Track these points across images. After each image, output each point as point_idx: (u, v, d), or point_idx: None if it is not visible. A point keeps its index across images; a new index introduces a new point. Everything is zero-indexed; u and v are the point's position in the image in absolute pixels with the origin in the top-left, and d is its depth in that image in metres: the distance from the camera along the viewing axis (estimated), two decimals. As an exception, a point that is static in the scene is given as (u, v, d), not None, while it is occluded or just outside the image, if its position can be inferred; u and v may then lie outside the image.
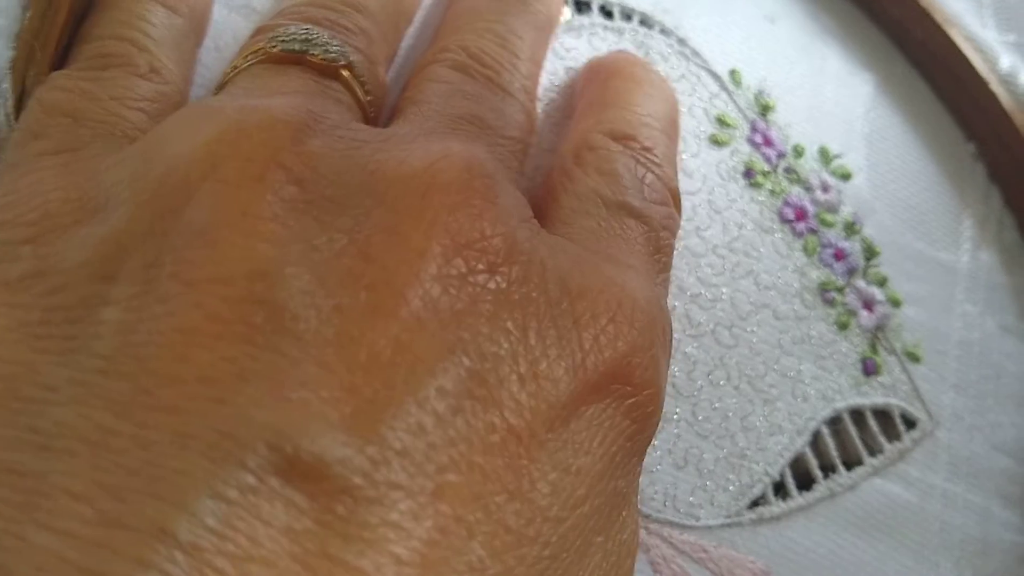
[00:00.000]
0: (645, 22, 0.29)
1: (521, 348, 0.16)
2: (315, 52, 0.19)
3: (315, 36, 0.20)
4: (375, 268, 0.15)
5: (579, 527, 0.16)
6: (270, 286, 0.14)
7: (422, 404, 0.14)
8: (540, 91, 0.26)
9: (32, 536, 0.12)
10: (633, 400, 0.17)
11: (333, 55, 0.19)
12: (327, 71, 0.19)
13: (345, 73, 0.20)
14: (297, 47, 0.19)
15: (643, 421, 0.17)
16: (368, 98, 0.20)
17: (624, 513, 0.17)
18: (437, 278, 0.15)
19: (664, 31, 0.29)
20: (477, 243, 0.16)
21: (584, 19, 0.28)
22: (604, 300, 0.17)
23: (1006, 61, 0.31)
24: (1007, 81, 0.31)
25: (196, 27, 0.21)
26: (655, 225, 0.20)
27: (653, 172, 0.21)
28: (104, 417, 0.13)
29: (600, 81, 0.24)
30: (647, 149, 0.21)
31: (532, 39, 0.23)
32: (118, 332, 0.14)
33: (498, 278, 0.16)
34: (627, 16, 0.29)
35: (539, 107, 0.26)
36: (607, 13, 0.29)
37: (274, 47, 0.19)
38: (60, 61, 0.21)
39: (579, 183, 0.20)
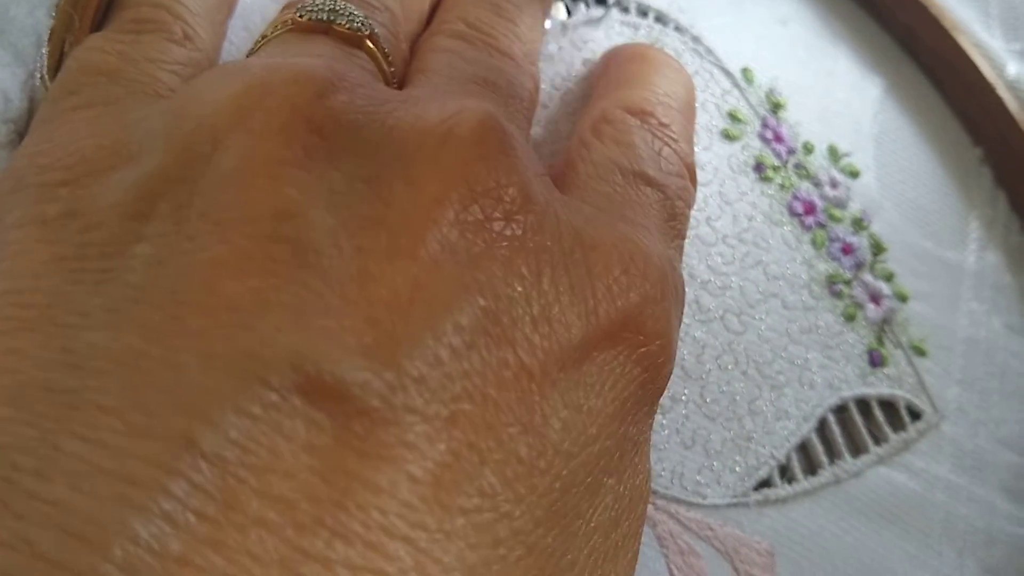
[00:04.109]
0: (660, 19, 0.30)
1: (534, 292, 0.16)
2: (341, 21, 0.20)
3: (341, 7, 0.20)
4: (395, 213, 0.16)
5: (589, 465, 0.16)
6: (295, 226, 0.15)
7: (439, 337, 0.15)
8: (558, 81, 0.27)
9: (66, 445, 0.13)
10: (645, 349, 0.18)
11: (358, 25, 0.20)
12: (352, 40, 0.20)
13: (369, 44, 0.20)
14: (324, 17, 0.20)
15: (654, 370, 0.18)
16: (391, 69, 0.21)
17: (636, 459, 0.18)
18: (454, 223, 0.16)
19: (679, 28, 0.30)
20: (493, 191, 0.16)
21: (601, 13, 0.29)
22: (617, 253, 0.18)
23: (1013, 68, 0.32)
24: (1014, 87, 0.32)
25: (227, 0, 0.22)
26: (670, 194, 0.21)
27: (670, 146, 0.22)
28: (135, 340, 0.14)
29: (619, 64, 0.25)
30: (664, 125, 0.22)
31: (528, 8, 0.24)
32: (149, 265, 0.15)
33: (513, 225, 0.16)
34: (643, 12, 0.30)
35: (557, 96, 0.27)
36: (623, 9, 0.29)
37: (301, 17, 0.20)
38: (97, 28, 0.22)
39: (596, 152, 0.21)
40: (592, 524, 0.16)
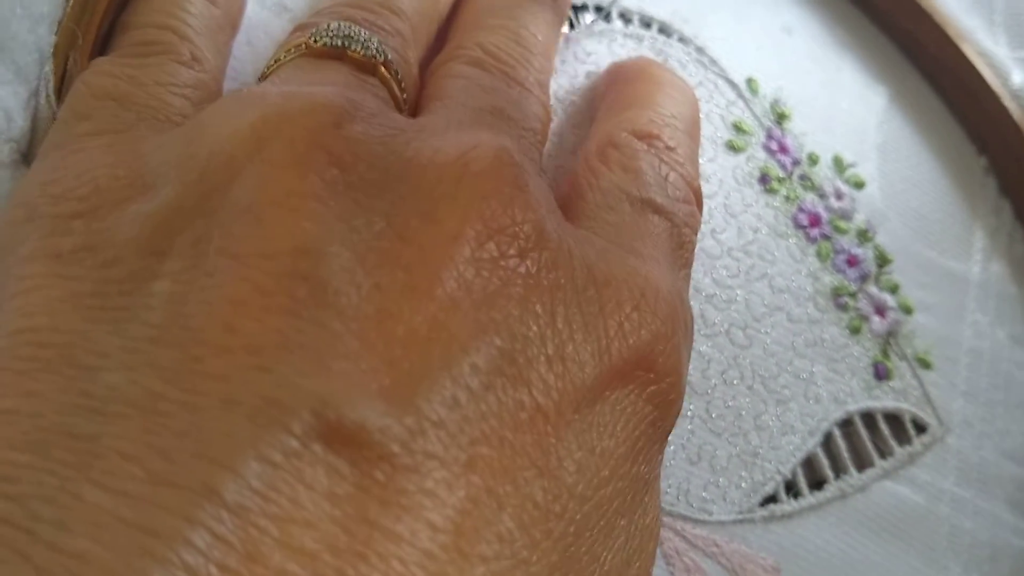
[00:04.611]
0: (664, 30, 0.30)
1: (549, 331, 0.16)
2: (355, 48, 0.20)
3: (355, 33, 0.20)
4: (412, 250, 0.16)
5: (602, 507, 0.16)
6: (314, 263, 0.15)
7: (456, 379, 0.15)
8: (562, 93, 0.27)
9: (87, 494, 0.13)
10: (655, 387, 0.18)
11: (372, 52, 0.20)
12: (366, 67, 0.20)
13: (383, 70, 0.20)
14: (338, 42, 0.20)
15: (665, 408, 0.18)
16: (404, 95, 0.21)
17: (646, 498, 0.18)
18: (471, 261, 0.16)
19: (683, 39, 0.30)
20: (508, 228, 0.16)
21: (604, 25, 0.29)
22: (628, 289, 0.18)
23: (1018, 77, 0.32)
24: (1019, 96, 0.32)
25: (232, 19, 0.22)
26: (678, 222, 0.21)
27: (676, 171, 0.22)
28: (154, 383, 0.14)
29: (623, 82, 0.25)
30: (671, 149, 0.22)
31: (544, 34, 0.24)
32: (168, 303, 0.15)
33: (528, 263, 0.16)
34: (646, 24, 0.29)
35: (560, 108, 0.27)
36: (626, 20, 0.29)
37: (316, 42, 0.20)
38: (100, 46, 0.21)
39: (604, 179, 0.21)
40: (606, 567, 0.16)
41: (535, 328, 0.16)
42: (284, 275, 0.15)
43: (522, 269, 0.16)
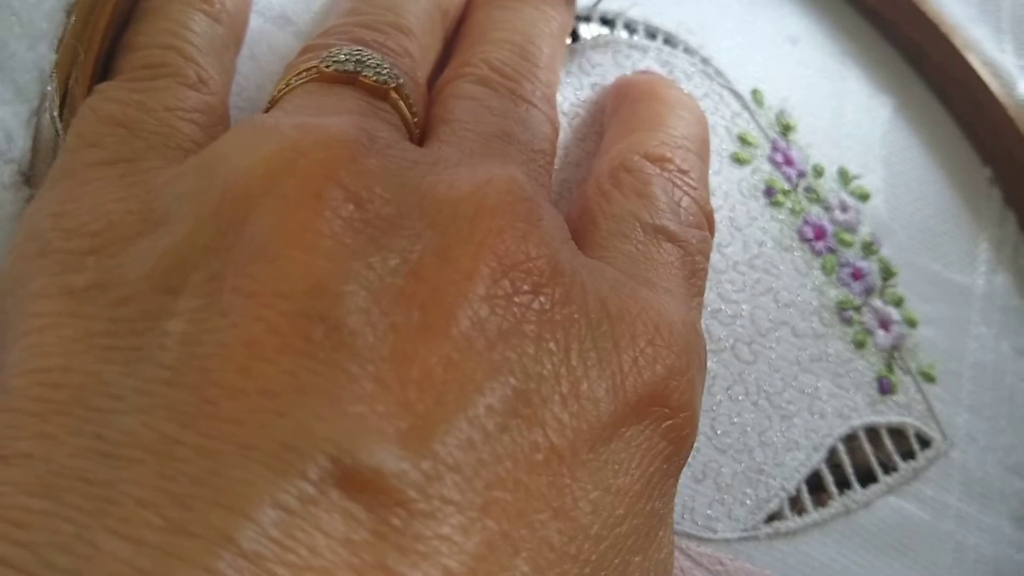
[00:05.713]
0: (669, 41, 0.29)
1: (563, 369, 0.16)
2: (367, 73, 0.20)
3: (367, 58, 0.20)
4: (427, 288, 0.16)
5: (618, 546, 0.16)
6: (329, 303, 0.15)
7: (472, 421, 0.15)
8: (567, 106, 0.27)
9: (103, 543, 0.13)
10: (670, 422, 0.18)
11: (384, 77, 0.20)
12: (378, 92, 0.20)
13: (394, 95, 0.20)
14: (351, 68, 0.20)
15: (679, 443, 0.18)
16: (414, 119, 0.21)
17: (661, 533, 0.18)
18: (485, 299, 0.16)
19: (688, 50, 0.29)
20: (522, 264, 0.16)
21: (609, 36, 0.29)
22: (642, 323, 0.17)
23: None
24: (1024, 106, 0.32)
25: (236, 37, 0.22)
26: (691, 249, 0.21)
27: (689, 195, 0.21)
28: (169, 427, 0.14)
29: (632, 101, 0.25)
30: (683, 172, 0.22)
31: (549, 47, 0.24)
32: (182, 343, 0.15)
33: (542, 299, 0.16)
34: (651, 35, 0.29)
35: (565, 121, 0.26)
36: (631, 31, 0.29)
37: (328, 67, 0.20)
38: (102, 64, 0.21)
39: (617, 205, 0.21)
40: None
41: (549, 366, 0.16)
42: (299, 315, 0.15)
43: (536, 306, 0.16)
